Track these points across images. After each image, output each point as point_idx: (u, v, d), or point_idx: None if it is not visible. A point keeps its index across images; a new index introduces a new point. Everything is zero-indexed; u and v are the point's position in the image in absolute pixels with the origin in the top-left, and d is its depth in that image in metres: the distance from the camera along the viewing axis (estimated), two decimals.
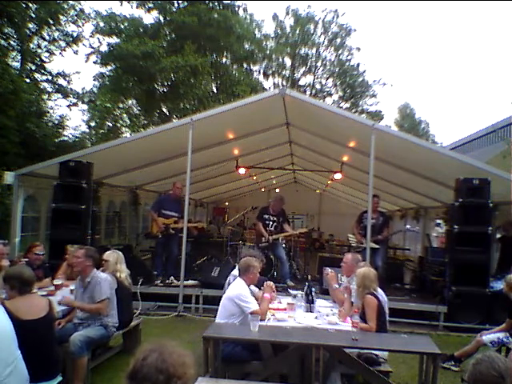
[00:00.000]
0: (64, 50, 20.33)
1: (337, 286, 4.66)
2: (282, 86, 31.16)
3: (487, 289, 6.46)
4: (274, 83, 33.25)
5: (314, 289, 4.51)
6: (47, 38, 19.59)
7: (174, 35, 22.78)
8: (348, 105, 35.02)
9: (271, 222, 8.11)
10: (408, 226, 10.99)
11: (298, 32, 33.51)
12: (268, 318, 4.01)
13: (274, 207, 8.21)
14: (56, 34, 19.73)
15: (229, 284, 4.54)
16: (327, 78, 35.22)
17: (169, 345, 1.45)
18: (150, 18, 25.37)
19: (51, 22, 18.77)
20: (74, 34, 20.52)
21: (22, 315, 2.91)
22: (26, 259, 5.11)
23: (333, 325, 3.91)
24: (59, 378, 3.14)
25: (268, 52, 30.92)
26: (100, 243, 7.92)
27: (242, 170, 9.91)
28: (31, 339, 2.83)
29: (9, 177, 6.75)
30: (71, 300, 4.18)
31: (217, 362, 3.47)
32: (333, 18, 33.55)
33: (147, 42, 19.82)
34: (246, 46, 25.52)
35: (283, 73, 34.04)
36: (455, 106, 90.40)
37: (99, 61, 21.96)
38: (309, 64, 34.30)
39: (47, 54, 19.84)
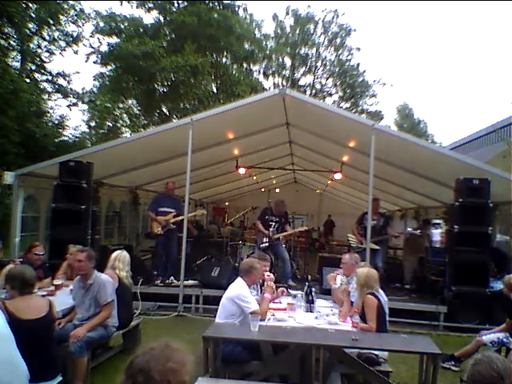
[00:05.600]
0: (64, 50, 20.38)
1: (336, 287, 4.66)
2: (282, 86, 31.17)
3: (487, 289, 6.45)
4: (274, 83, 33.32)
5: (313, 289, 4.51)
6: (47, 38, 19.62)
7: (174, 35, 22.79)
8: (348, 105, 35.06)
9: (274, 223, 8.13)
10: (409, 229, 11.00)
11: (297, 32, 33.56)
12: (268, 317, 4.01)
13: (276, 210, 8.23)
14: (56, 34, 19.77)
15: None
16: (327, 78, 35.28)
17: (171, 349, 1.42)
18: (150, 18, 25.46)
19: (51, 21, 18.79)
20: (74, 34, 20.58)
21: (21, 315, 2.91)
22: (21, 259, 5.11)
23: (333, 325, 3.91)
24: (59, 378, 3.14)
25: (268, 52, 30.93)
26: (100, 243, 7.92)
27: (241, 170, 9.91)
28: (31, 339, 2.83)
29: (9, 177, 6.74)
30: (81, 329, 3.86)
31: (217, 361, 3.47)
32: (333, 18, 33.65)
33: (147, 41, 19.84)
34: (246, 45, 25.53)
35: (283, 73, 34.07)
36: (455, 106, 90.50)
37: (99, 61, 22.00)
38: (309, 64, 34.34)
39: (47, 54, 19.90)
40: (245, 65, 26.56)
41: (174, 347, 1.44)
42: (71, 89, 21.05)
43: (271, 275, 4.45)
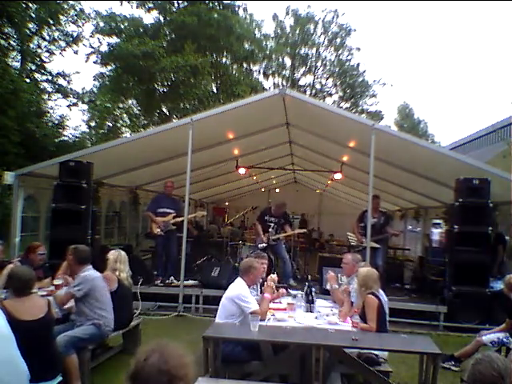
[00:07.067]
0: (64, 50, 20.37)
1: (336, 287, 4.66)
2: (282, 86, 31.16)
3: (487, 289, 6.46)
4: (274, 83, 33.30)
5: (313, 289, 4.51)
6: (47, 37, 19.60)
7: (174, 35, 22.78)
8: (348, 105, 35.05)
9: (272, 224, 8.12)
10: (410, 227, 11.02)
11: (297, 32, 33.56)
12: (268, 317, 4.01)
13: (276, 211, 8.23)
14: (56, 34, 19.76)
15: None
16: (327, 78, 35.27)
17: (169, 345, 1.44)
18: (150, 17, 25.43)
19: (51, 21, 18.78)
20: (74, 34, 20.56)
21: (20, 316, 2.91)
22: (19, 259, 5.12)
23: (333, 325, 3.91)
24: (59, 378, 3.13)
25: (268, 52, 30.91)
26: (100, 243, 7.92)
27: (241, 170, 9.91)
28: (30, 340, 2.83)
29: (9, 177, 6.74)
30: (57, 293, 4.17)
31: (217, 361, 3.47)
32: (333, 18, 33.64)
33: (147, 41, 19.83)
34: (246, 45, 25.51)
35: (283, 73, 34.05)
36: (455, 106, 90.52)
37: (99, 61, 21.98)
38: (309, 64, 34.33)
39: (47, 54, 19.88)
40: (245, 65, 26.54)
41: (170, 343, 1.45)
42: (71, 89, 21.05)
43: (274, 276, 4.45)
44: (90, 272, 4.16)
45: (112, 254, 4.70)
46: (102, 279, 4.26)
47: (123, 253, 4.78)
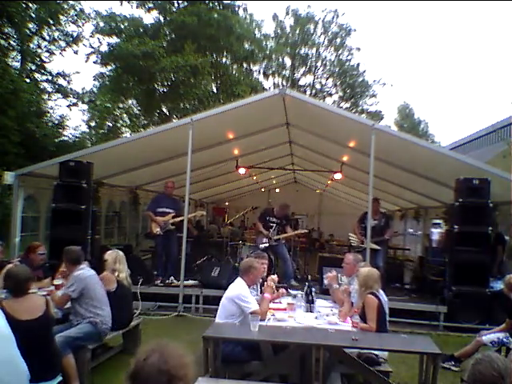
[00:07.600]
0: (64, 50, 20.39)
1: (336, 286, 4.65)
2: (282, 86, 31.16)
3: (487, 289, 6.45)
4: (274, 83, 33.32)
5: (313, 289, 4.51)
6: (47, 38, 19.62)
7: (174, 35, 22.79)
8: (348, 105, 35.06)
9: (274, 225, 8.12)
10: (410, 230, 11.04)
11: (297, 32, 33.58)
12: (268, 317, 4.01)
13: (279, 212, 8.23)
14: (56, 34, 19.78)
15: None
16: (327, 78, 35.28)
17: (169, 345, 1.44)
18: (150, 18, 25.43)
19: (51, 21, 18.79)
20: (74, 34, 20.58)
21: (18, 315, 2.91)
22: (19, 258, 5.12)
23: (333, 325, 3.91)
24: (59, 378, 3.13)
25: (268, 52, 30.92)
26: (100, 243, 7.92)
27: (242, 170, 9.91)
28: (29, 339, 2.82)
29: (9, 177, 6.74)
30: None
31: (217, 361, 3.47)
32: (333, 18, 33.66)
33: (147, 41, 19.84)
34: (246, 45, 25.52)
35: (283, 73, 34.07)
36: (455, 106, 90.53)
37: (99, 61, 22.00)
38: (309, 64, 34.34)
39: (47, 54, 19.90)
40: (245, 65, 26.54)
41: (170, 343, 1.45)
42: (71, 89, 21.07)
43: (274, 276, 4.45)
44: (83, 271, 4.17)
45: (110, 255, 4.68)
46: (96, 277, 4.27)
47: (121, 253, 4.78)
